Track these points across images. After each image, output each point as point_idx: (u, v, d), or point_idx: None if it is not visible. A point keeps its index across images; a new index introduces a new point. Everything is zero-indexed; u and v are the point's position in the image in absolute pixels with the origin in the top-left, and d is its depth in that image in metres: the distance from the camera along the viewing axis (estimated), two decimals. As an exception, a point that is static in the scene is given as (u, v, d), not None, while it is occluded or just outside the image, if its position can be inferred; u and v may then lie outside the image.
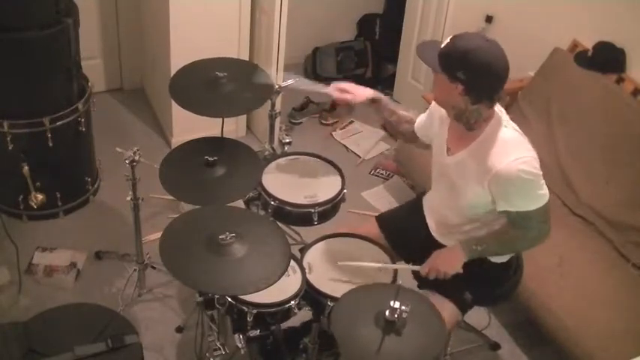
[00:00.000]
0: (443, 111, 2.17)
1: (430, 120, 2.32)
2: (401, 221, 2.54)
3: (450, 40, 1.98)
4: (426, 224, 2.40)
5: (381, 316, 1.87)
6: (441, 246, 2.31)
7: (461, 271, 2.17)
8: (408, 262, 2.50)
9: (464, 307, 2.31)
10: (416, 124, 2.40)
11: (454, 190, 2.19)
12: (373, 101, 2.43)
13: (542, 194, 2.04)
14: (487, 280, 2.30)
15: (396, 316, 1.85)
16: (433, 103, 2.25)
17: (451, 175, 2.18)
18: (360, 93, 2.42)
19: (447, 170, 2.20)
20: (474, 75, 1.94)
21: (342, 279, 2.30)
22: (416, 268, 2.27)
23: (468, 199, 2.15)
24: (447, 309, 2.20)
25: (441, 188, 2.30)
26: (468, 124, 2.05)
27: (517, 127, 2.09)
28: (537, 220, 2.08)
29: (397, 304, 1.84)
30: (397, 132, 2.51)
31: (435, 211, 2.37)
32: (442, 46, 1.99)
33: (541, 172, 2.02)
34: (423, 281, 2.34)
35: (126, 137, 3.89)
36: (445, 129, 2.20)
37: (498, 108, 2.09)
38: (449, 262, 2.18)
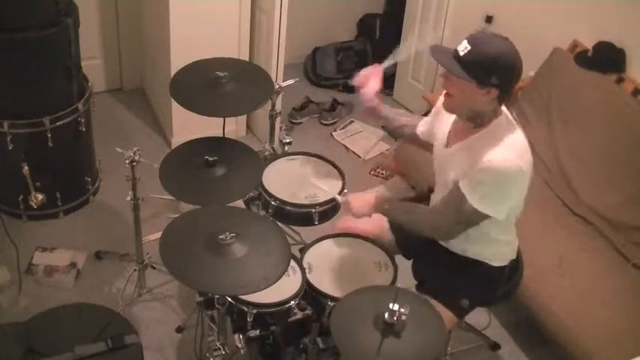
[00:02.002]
0: None
1: (435, 119, 2.29)
2: None
3: (470, 44, 1.91)
4: None
5: (380, 319, 1.87)
6: (440, 247, 2.30)
7: (369, 215, 2.26)
8: (408, 259, 2.50)
9: (461, 314, 2.30)
10: (419, 130, 2.38)
11: (447, 185, 2.15)
12: (374, 110, 2.42)
13: (496, 209, 2.01)
14: (484, 282, 2.29)
15: (395, 318, 1.84)
16: (439, 102, 2.24)
17: (446, 168, 2.16)
18: (369, 91, 2.38)
19: (443, 164, 2.18)
20: (507, 78, 1.93)
21: (342, 279, 2.30)
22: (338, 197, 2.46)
23: None
24: (444, 316, 2.18)
25: (439, 185, 2.28)
26: (482, 123, 2.04)
27: (522, 133, 2.06)
28: (456, 219, 2.06)
29: (396, 307, 1.83)
30: (398, 134, 2.51)
31: None
32: (463, 53, 1.91)
33: (518, 187, 2.00)
34: (421, 288, 2.35)
35: (126, 137, 3.89)
36: (449, 123, 2.18)
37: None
38: (358, 201, 2.28)
